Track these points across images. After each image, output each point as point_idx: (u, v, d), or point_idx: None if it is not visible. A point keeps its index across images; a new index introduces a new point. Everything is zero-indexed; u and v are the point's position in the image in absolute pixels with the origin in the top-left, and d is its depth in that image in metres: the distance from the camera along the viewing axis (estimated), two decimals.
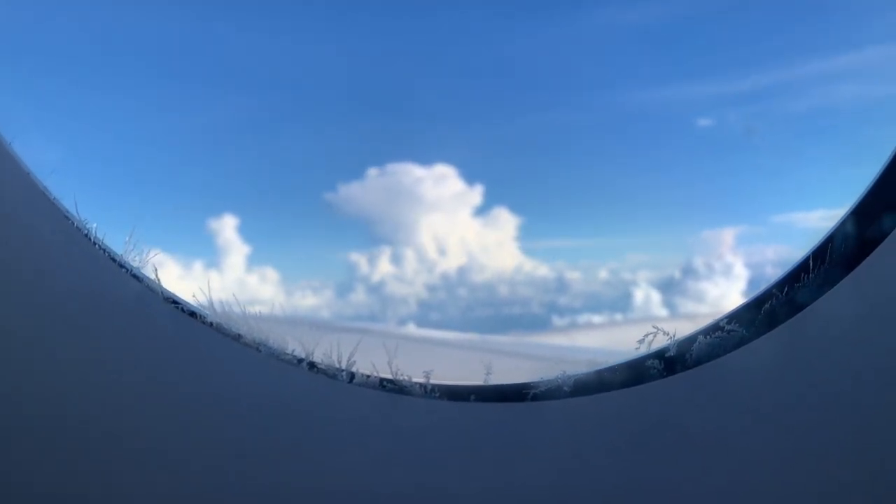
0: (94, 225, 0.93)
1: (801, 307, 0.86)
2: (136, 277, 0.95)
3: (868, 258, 0.82)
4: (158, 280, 0.94)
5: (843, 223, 0.86)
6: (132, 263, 0.94)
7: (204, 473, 0.94)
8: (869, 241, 0.83)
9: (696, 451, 0.87)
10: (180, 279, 1.02)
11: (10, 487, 0.94)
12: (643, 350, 0.91)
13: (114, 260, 0.94)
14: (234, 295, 0.96)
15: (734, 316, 0.90)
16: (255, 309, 0.97)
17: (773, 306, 0.88)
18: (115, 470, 0.95)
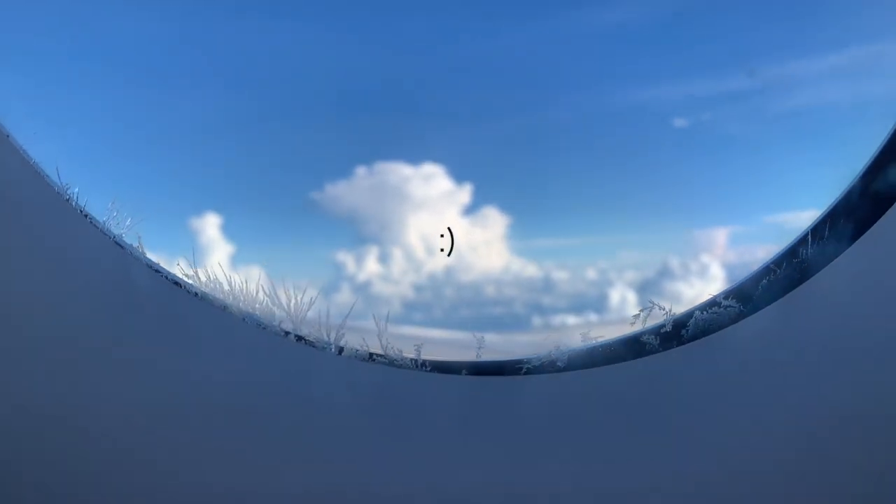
0: (76, 189, 0.90)
1: (799, 282, 0.85)
2: (119, 245, 0.92)
3: (867, 234, 0.81)
4: (142, 248, 0.92)
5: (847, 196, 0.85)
6: (114, 230, 0.91)
7: (188, 446, 0.91)
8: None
9: (692, 426, 0.85)
10: None
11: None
12: (638, 326, 0.90)
13: (95, 226, 0.91)
14: (219, 263, 0.93)
15: (731, 292, 0.88)
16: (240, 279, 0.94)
17: (771, 282, 0.87)
18: (102, 441, 0.92)
